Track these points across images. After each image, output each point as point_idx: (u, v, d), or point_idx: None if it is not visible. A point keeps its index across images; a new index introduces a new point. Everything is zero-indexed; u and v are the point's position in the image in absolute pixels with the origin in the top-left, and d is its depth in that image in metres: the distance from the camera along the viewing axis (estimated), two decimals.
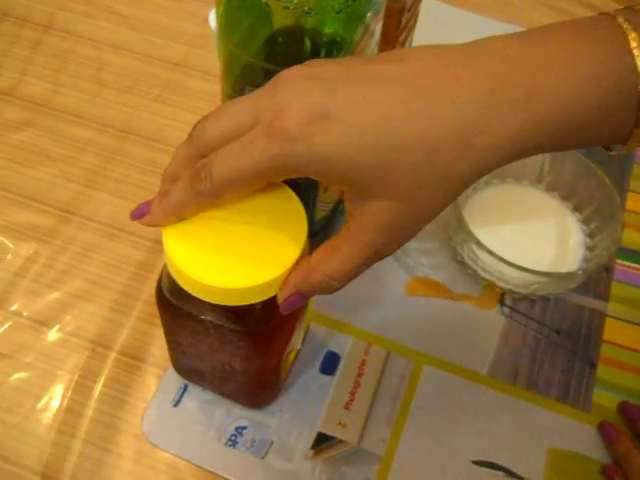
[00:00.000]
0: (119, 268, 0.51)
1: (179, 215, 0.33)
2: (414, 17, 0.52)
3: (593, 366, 0.48)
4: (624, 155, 0.58)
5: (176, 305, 0.37)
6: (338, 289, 0.32)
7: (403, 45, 0.51)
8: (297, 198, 0.37)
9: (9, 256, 0.51)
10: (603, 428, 0.45)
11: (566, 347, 0.49)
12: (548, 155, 0.54)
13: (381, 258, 0.31)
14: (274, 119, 0.27)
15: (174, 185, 0.32)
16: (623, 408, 0.46)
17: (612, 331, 0.50)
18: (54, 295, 0.50)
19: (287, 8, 0.33)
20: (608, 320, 0.50)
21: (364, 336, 0.48)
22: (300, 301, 0.33)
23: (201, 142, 0.31)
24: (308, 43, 0.37)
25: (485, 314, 0.50)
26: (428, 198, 0.28)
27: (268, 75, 0.38)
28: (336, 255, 0.31)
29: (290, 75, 0.28)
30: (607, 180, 0.51)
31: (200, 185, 0.31)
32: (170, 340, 0.42)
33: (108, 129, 0.59)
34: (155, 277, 0.50)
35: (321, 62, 0.29)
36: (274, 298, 0.35)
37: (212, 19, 0.37)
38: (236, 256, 0.34)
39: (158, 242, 0.52)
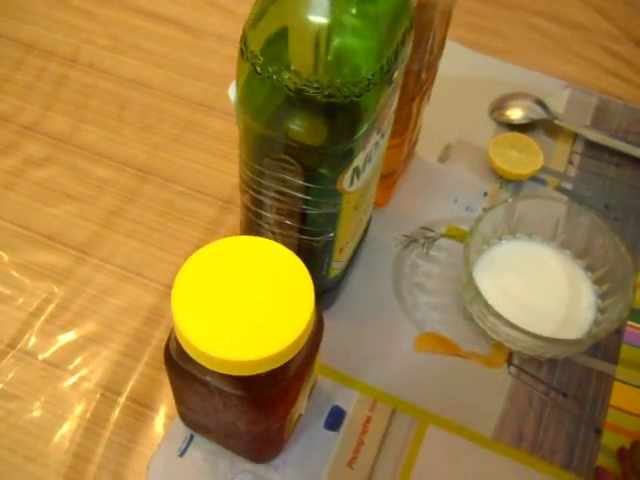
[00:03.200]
0: (132, 312, 0.52)
1: None
2: (433, 73, 0.52)
3: (598, 432, 0.48)
4: (638, 213, 0.59)
5: (183, 367, 0.38)
6: None
7: (422, 102, 0.51)
8: (304, 267, 0.37)
9: (26, 295, 0.52)
10: (598, 474, 0.45)
11: (572, 411, 0.49)
12: (563, 212, 0.54)
13: None
14: None
15: None
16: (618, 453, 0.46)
17: (619, 396, 0.49)
18: (68, 338, 0.50)
19: (306, 92, 0.33)
20: (616, 384, 0.50)
21: (370, 392, 0.49)
22: None
23: None
24: (323, 114, 0.36)
25: (492, 373, 0.50)
26: None
27: (284, 148, 0.38)
28: None
29: None
30: (620, 243, 0.51)
31: None
32: (177, 396, 0.43)
33: (127, 168, 0.60)
34: (166, 322, 0.52)
35: None
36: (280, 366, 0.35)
37: (232, 91, 0.38)
38: (242, 326, 0.35)
39: (170, 287, 0.53)
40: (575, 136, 0.64)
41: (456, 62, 0.66)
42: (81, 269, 0.54)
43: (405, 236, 0.57)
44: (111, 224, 0.56)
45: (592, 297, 0.52)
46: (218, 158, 0.61)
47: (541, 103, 0.65)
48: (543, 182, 0.61)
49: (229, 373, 0.35)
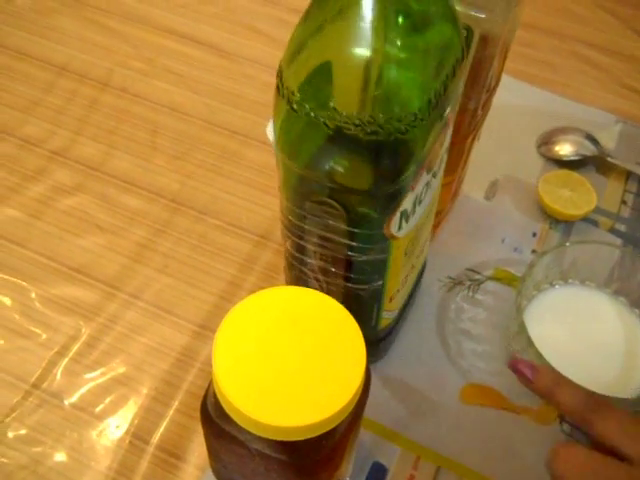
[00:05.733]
0: (162, 352, 0.49)
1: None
2: (487, 110, 0.49)
3: None
4: None
5: (221, 426, 0.35)
6: None
7: (474, 140, 0.49)
8: (355, 323, 0.35)
9: (51, 332, 0.50)
10: (513, 365, 0.40)
11: None
12: (618, 258, 0.51)
13: None
14: None
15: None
16: (512, 365, 0.40)
17: None
18: (94, 379, 0.48)
19: (347, 130, 0.31)
20: None
21: (413, 447, 0.46)
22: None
23: None
24: (365, 153, 0.34)
25: (544, 430, 0.47)
26: None
27: (326, 190, 0.36)
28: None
29: None
30: None
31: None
32: (211, 453, 0.40)
33: (159, 199, 0.57)
34: (198, 365, 0.49)
35: None
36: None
37: (270, 130, 0.35)
38: (288, 387, 0.32)
39: (204, 327, 0.50)
40: (628, 174, 0.61)
41: (503, 93, 0.63)
42: (110, 305, 0.51)
43: (450, 278, 0.54)
44: (142, 258, 0.54)
45: None
46: (254, 190, 0.58)
47: (592, 138, 0.62)
48: (595, 223, 0.57)
49: (273, 438, 0.32)
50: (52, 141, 0.61)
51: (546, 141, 0.63)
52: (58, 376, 0.48)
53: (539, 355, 0.45)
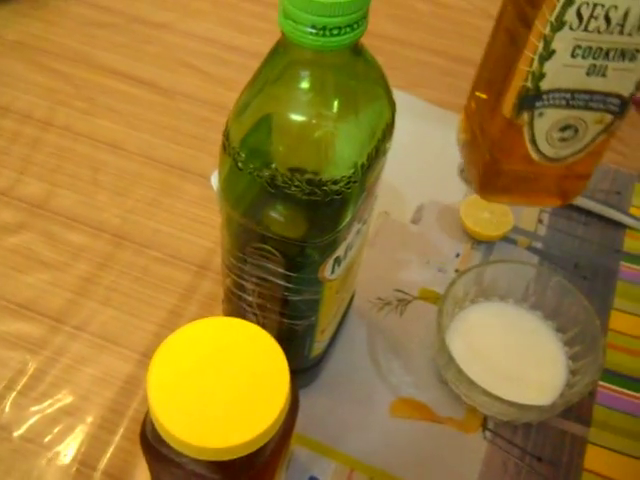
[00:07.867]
0: (107, 382, 0.52)
1: None
2: None
3: None
4: (607, 271, 0.60)
5: (159, 450, 0.38)
6: None
7: None
8: (280, 350, 0.38)
9: None
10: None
11: (547, 476, 0.49)
12: (533, 275, 0.55)
13: None
14: None
15: None
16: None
17: (593, 459, 0.50)
18: (42, 411, 0.50)
19: (287, 190, 0.34)
20: (590, 447, 0.50)
21: (347, 461, 0.49)
22: None
23: None
24: (303, 209, 0.36)
25: (468, 438, 0.50)
26: None
27: (265, 239, 0.39)
28: None
29: None
30: (589, 305, 0.52)
31: None
32: (154, 476, 0.43)
33: (102, 234, 0.60)
34: (142, 392, 0.52)
35: None
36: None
37: (214, 180, 0.39)
38: (218, 411, 0.35)
39: (146, 355, 0.53)
40: None
41: (429, 122, 0.67)
42: (55, 338, 0.54)
43: (379, 299, 0.57)
44: (86, 291, 0.56)
45: (564, 359, 0.53)
46: (193, 222, 0.61)
47: None
48: (514, 242, 0.62)
49: (205, 459, 0.35)
50: None
51: None
52: (6, 409, 0.50)
53: (459, 370, 0.49)
